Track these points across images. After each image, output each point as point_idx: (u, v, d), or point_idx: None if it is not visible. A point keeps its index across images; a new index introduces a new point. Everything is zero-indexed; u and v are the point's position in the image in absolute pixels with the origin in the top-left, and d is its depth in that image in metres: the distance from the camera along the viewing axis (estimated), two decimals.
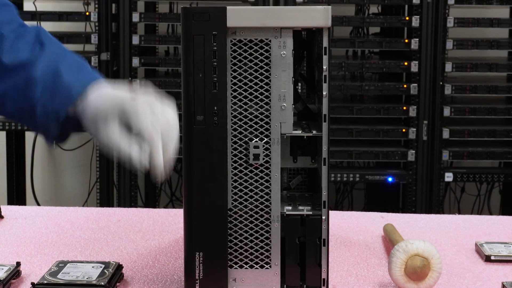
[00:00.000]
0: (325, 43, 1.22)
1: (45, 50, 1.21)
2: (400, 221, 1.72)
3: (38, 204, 3.87)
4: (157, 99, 1.19)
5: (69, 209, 1.80)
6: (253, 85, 1.22)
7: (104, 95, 1.19)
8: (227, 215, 1.23)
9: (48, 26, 3.43)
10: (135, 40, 3.29)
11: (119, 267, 1.34)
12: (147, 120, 1.16)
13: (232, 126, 1.22)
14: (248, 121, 1.23)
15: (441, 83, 3.24)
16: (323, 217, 1.24)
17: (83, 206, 3.89)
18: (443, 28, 3.23)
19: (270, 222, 1.24)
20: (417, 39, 3.22)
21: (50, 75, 1.19)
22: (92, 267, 1.33)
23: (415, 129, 3.25)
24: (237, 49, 1.21)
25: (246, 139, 1.23)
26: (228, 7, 1.19)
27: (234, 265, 1.24)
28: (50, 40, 1.24)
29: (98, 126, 1.19)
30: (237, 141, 1.23)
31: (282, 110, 1.22)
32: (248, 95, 1.22)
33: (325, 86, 1.22)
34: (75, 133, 1.25)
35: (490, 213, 3.78)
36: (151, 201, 3.71)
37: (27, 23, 1.30)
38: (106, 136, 1.19)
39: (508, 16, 3.48)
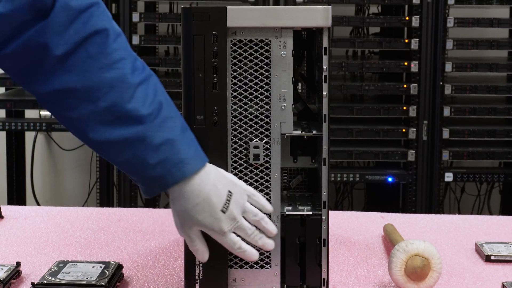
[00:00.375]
0: (325, 43, 1.22)
1: (162, 111, 1.14)
2: (400, 221, 1.72)
3: (38, 204, 3.87)
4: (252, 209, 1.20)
5: (69, 209, 1.80)
6: (253, 85, 1.22)
7: (201, 195, 1.15)
8: None
9: None
10: (135, 40, 3.29)
11: (119, 267, 1.34)
12: (232, 246, 1.19)
13: (232, 126, 1.22)
14: (248, 121, 1.23)
15: (441, 83, 3.24)
16: (323, 217, 1.24)
17: (83, 206, 3.89)
18: (443, 28, 3.23)
19: None
20: (417, 39, 3.22)
21: (167, 146, 1.13)
22: (92, 267, 1.33)
23: (415, 129, 3.25)
24: (237, 49, 1.21)
25: (246, 139, 1.23)
26: (228, 7, 1.19)
27: (234, 265, 1.24)
28: (165, 97, 1.16)
29: (182, 215, 1.17)
30: (237, 141, 1.23)
31: (282, 110, 1.22)
32: (248, 95, 1.22)
33: (325, 86, 1.22)
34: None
35: (490, 213, 3.78)
36: (151, 201, 3.71)
37: None
38: (182, 227, 1.19)
39: (508, 16, 3.48)
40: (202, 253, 1.20)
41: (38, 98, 1.16)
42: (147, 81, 1.15)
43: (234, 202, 1.17)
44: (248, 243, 1.20)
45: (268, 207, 1.21)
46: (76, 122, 1.14)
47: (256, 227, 1.20)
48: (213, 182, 1.17)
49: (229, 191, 1.17)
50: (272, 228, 1.21)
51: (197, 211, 1.16)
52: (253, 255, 1.20)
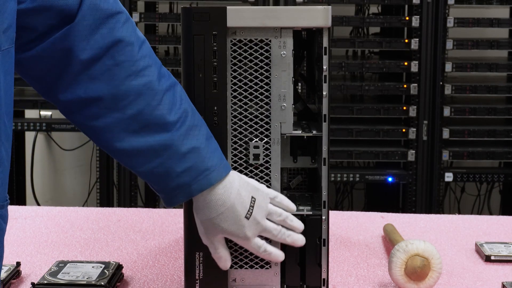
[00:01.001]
0: (325, 43, 1.22)
1: (188, 119, 1.14)
2: (400, 221, 1.72)
3: (38, 204, 3.87)
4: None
5: (69, 209, 1.79)
6: (253, 85, 1.22)
7: (225, 204, 1.15)
8: None
9: None
10: None
11: (119, 267, 1.34)
12: (257, 250, 1.19)
13: (232, 126, 1.22)
14: (248, 121, 1.23)
15: (441, 83, 3.24)
16: (323, 217, 1.24)
17: (83, 206, 3.89)
18: (443, 28, 3.23)
19: None
20: (417, 39, 3.22)
21: (193, 154, 1.13)
22: (92, 267, 1.33)
23: (415, 129, 3.25)
24: (237, 49, 1.21)
25: (246, 139, 1.23)
26: (228, 7, 1.19)
27: (234, 265, 1.24)
28: (189, 105, 1.16)
29: (206, 223, 1.17)
30: (237, 141, 1.23)
31: (282, 110, 1.22)
32: (248, 95, 1.22)
33: (325, 86, 1.22)
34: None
35: (490, 213, 3.78)
36: (151, 201, 3.71)
37: None
38: (206, 235, 1.19)
39: (508, 16, 3.48)
40: (225, 261, 1.20)
41: (60, 106, 1.14)
42: (173, 88, 1.15)
43: (257, 207, 1.18)
44: (274, 244, 1.21)
45: (292, 206, 1.22)
46: (101, 131, 1.13)
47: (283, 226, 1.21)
48: (237, 190, 1.17)
49: (252, 197, 1.18)
50: (299, 224, 1.21)
51: (221, 219, 1.16)
52: (279, 256, 1.21)
